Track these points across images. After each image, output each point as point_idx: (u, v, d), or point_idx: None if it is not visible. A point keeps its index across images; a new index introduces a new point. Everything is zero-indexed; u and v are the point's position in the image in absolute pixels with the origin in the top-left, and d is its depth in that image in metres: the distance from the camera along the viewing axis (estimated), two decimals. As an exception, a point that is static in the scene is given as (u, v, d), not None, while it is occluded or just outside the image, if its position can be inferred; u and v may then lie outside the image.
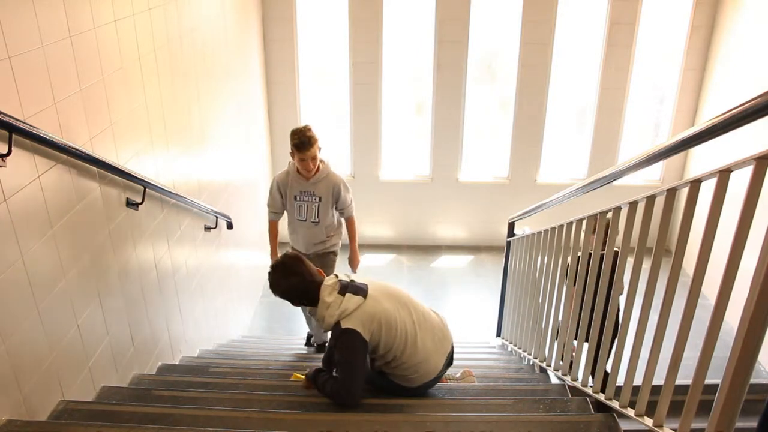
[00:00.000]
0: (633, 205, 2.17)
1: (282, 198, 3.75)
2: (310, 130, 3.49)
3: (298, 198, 3.70)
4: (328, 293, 2.34)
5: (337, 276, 2.45)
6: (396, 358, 2.40)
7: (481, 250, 6.91)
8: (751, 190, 1.47)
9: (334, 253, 3.98)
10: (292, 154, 3.55)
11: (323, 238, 3.85)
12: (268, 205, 3.83)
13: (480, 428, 2.10)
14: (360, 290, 2.35)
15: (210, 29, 4.38)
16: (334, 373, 2.52)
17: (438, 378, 2.56)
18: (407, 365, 2.43)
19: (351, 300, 2.31)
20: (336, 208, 3.82)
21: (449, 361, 2.60)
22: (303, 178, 3.64)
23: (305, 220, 3.77)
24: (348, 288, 2.35)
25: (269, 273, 2.43)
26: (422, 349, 2.44)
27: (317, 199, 3.70)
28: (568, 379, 2.67)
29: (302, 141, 3.45)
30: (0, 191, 1.88)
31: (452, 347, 2.63)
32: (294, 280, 2.37)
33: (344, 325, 2.26)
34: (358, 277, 2.47)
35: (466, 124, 6.63)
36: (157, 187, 3.12)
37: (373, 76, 6.40)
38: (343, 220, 3.97)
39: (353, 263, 4.09)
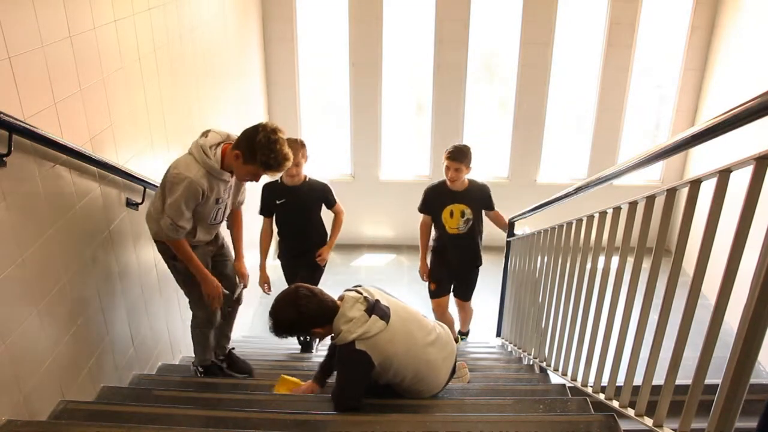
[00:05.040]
0: (633, 205, 2.17)
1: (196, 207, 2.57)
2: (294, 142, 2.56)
3: (220, 200, 2.64)
4: (350, 306, 2.26)
5: (359, 292, 2.35)
6: (404, 380, 2.37)
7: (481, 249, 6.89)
8: (751, 190, 1.47)
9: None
10: (237, 154, 2.44)
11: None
12: (175, 219, 2.48)
13: (480, 428, 2.10)
14: (385, 315, 2.28)
15: (210, 29, 4.37)
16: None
17: (442, 389, 2.55)
18: (416, 387, 2.42)
19: (375, 324, 2.23)
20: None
21: (453, 371, 2.60)
22: (226, 173, 2.57)
23: (218, 222, 2.78)
24: (375, 309, 2.27)
25: (278, 310, 2.26)
26: (433, 369, 2.42)
27: (230, 189, 2.71)
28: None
29: (279, 164, 2.44)
30: (0, 191, 1.88)
31: (456, 359, 2.62)
32: (310, 303, 2.24)
33: (359, 346, 2.19)
34: (377, 292, 2.39)
35: (466, 124, 6.63)
36: (158, 187, 3.12)
37: (373, 76, 6.40)
38: None
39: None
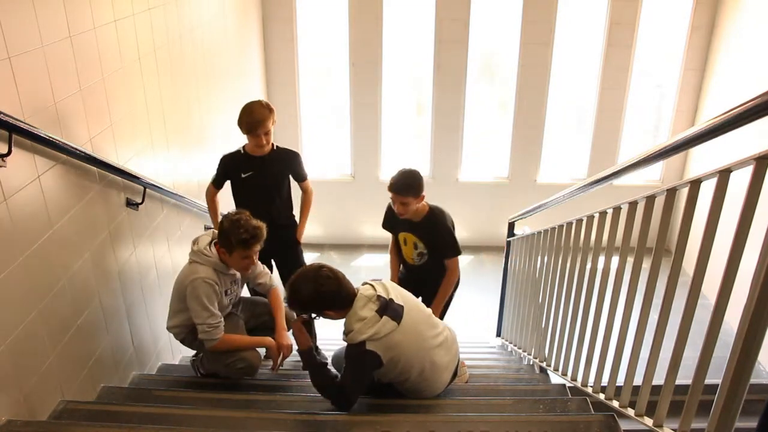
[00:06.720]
0: (633, 205, 2.17)
1: None
2: (258, 225, 2.51)
3: (229, 292, 2.73)
4: (362, 305, 2.26)
5: (374, 288, 2.34)
6: (408, 380, 2.38)
7: (481, 250, 6.90)
8: (751, 190, 1.47)
9: None
10: (222, 251, 2.54)
11: None
12: (207, 321, 2.54)
13: (480, 428, 2.10)
14: (397, 315, 2.27)
15: (210, 29, 4.37)
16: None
17: (444, 390, 2.56)
18: (419, 387, 2.43)
19: (386, 325, 2.23)
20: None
21: (455, 373, 2.60)
22: (231, 267, 2.66)
23: (229, 310, 2.82)
24: (387, 310, 2.26)
25: (297, 283, 2.26)
26: (437, 370, 2.43)
27: (238, 282, 2.80)
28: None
29: (254, 235, 2.48)
30: (0, 191, 1.88)
31: (458, 361, 2.63)
32: (330, 284, 2.23)
33: (369, 346, 2.20)
34: (393, 289, 2.37)
35: (466, 124, 6.63)
36: (157, 187, 3.12)
37: (373, 76, 6.40)
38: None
39: None
